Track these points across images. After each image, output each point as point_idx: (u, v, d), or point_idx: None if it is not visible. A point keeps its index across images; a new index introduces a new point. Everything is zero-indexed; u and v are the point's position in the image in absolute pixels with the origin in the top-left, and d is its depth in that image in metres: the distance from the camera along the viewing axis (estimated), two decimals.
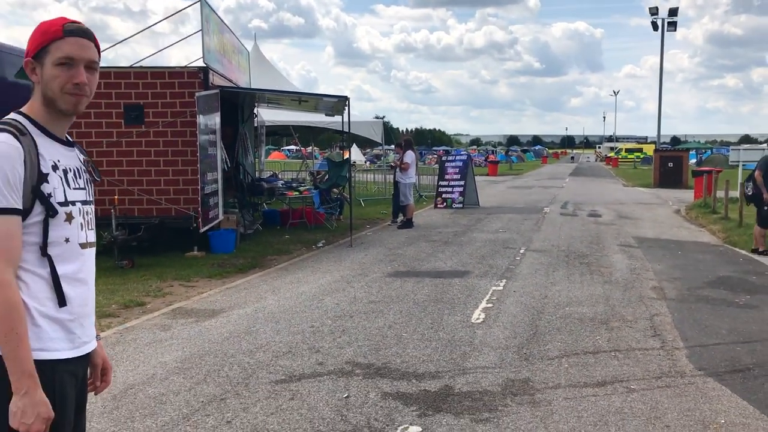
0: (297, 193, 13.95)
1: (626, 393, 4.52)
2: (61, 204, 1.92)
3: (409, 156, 14.68)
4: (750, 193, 10.81)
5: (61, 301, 1.91)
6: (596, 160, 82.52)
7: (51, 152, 1.93)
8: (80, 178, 2.04)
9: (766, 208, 10.30)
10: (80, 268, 1.99)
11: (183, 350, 5.55)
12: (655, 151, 34.38)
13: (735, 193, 16.51)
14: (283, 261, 10.25)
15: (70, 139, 2.06)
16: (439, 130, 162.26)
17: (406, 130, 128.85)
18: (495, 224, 14.82)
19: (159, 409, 4.27)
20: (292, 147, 62.20)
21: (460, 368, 5.02)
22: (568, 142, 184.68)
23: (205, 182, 10.13)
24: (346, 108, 11.96)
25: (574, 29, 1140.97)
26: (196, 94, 9.68)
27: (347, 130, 12.64)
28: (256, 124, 16.79)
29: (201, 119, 9.89)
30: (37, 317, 1.87)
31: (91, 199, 2.10)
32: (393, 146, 20.29)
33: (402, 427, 3.94)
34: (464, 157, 20.22)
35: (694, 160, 46.16)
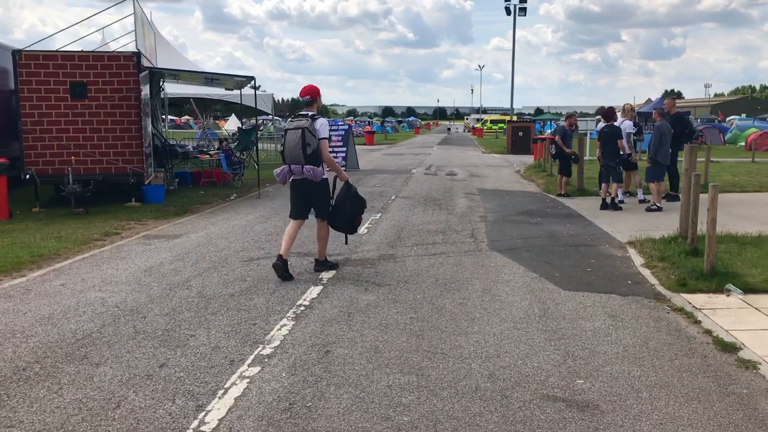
0: (208, 156, 16.58)
1: (446, 257, 8.05)
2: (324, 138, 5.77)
3: None
4: (553, 152, 15.07)
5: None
6: (464, 131, 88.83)
7: None
8: None
9: (562, 161, 14.55)
10: None
11: (170, 252, 8.43)
12: (508, 122, 39.50)
13: None
14: (207, 208, 13.05)
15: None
16: None
17: (282, 100, 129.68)
18: (373, 181, 18.28)
19: (177, 274, 7.23)
20: (168, 117, 62.95)
21: (354, 251, 8.36)
22: (440, 113, 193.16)
23: (145, 146, 12.67)
24: (250, 85, 14.79)
25: (445, 1, 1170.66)
26: (140, 74, 12.16)
27: (252, 104, 15.49)
28: (162, 96, 19.06)
29: (142, 94, 12.40)
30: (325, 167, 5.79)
31: None
32: (268, 116, 23.08)
33: (325, 272, 7.21)
34: (346, 127, 23.49)
35: (550, 130, 52.35)
